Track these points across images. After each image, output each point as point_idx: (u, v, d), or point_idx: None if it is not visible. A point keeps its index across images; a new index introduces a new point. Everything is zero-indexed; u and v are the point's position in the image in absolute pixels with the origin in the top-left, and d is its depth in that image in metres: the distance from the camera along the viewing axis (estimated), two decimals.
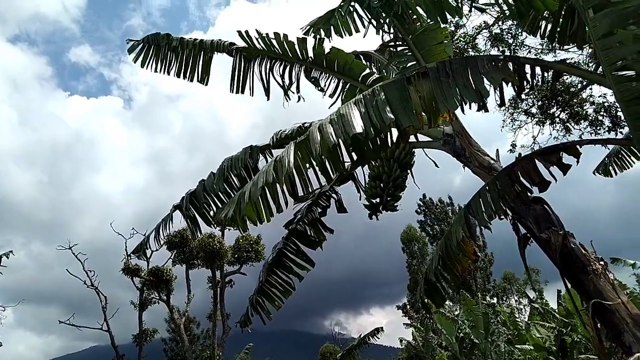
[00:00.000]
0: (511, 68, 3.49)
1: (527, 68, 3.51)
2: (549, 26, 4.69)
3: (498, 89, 3.55)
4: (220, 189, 5.98)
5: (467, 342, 23.70)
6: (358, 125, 3.32)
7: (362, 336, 18.06)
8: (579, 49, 14.37)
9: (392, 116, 3.33)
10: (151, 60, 6.72)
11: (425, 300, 4.73)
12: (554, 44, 4.99)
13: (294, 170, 3.53)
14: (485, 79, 3.37)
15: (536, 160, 3.84)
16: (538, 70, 3.56)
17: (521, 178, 3.91)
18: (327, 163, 3.59)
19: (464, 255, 4.17)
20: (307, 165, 3.53)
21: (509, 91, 3.75)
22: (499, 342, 24.72)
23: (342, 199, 6.67)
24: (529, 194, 4.30)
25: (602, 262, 4.35)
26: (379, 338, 17.73)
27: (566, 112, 18.41)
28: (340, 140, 3.35)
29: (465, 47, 18.34)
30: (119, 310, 25.90)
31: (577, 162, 3.74)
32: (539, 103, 18.56)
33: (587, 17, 2.96)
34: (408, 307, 33.16)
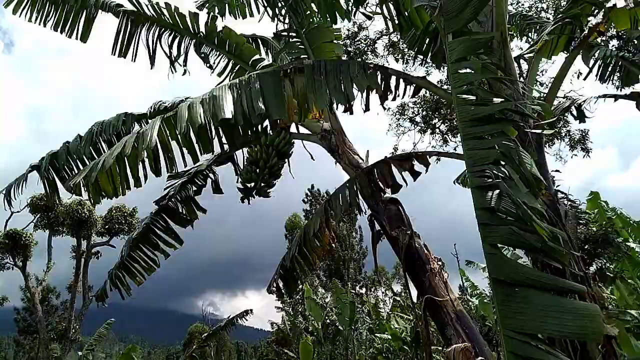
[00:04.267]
0: (379, 77, 3.78)
1: (393, 79, 3.82)
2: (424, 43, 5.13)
3: (365, 94, 3.81)
4: (85, 154, 5.65)
5: (332, 328, 24.98)
6: (228, 110, 3.37)
7: (230, 317, 18.12)
8: (437, 68, 15.67)
9: (263, 107, 3.43)
10: (26, 8, 6.13)
11: (280, 284, 4.94)
12: (424, 59, 5.43)
13: (158, 146, 3.48)
14: (354, 84, 3.61)
15: (392, 164, 4.20)
16: (402, 83, 3.89)
17: (377, 179, 4.25)
18: (195, 143, 3.59)
19: (320, 245, 4.43)
20: (173, 142, 3.50)
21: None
22: (362, 330, 26.39)
23: (219, 180, 6.66)
24: (390, 193, 4.70)
25: (439, 262, 4.90)
26: (247, 320, 17.94)
27: (446, 124, 19.97)
28: (208, 122, 3.37)
29: (366, 49, 19.08)
30: None
31: (427, 170, 4.17)
32: (423, 113, 19.95)
33: (446, 40, 3.31)
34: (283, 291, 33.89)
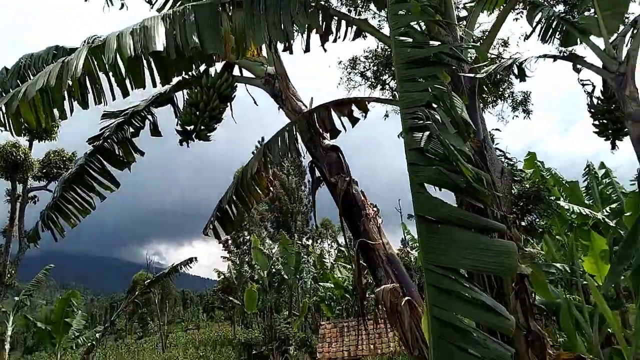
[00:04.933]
0: (319, 16, 3.69)
1: (334, 20, 3.75)
2: None
3: (305, 34, 3.72)
4: (12, 86, 5.26)
5: (277, 277, 25.56)
6: (160, 43, 3.20)
7: (174, 264, 18.06)
8: (379, 10, 15.50)
9: (198, 40, 3.28)
10: None
11: (215, 225, 4.91)
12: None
13: (85, 76, 3.28)
14: (293, 22, 3.51)
15: (331, 109, 4.19)
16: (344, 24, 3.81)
17: (316, 123, 4.23)
18: (124, 75, 3.40)
19: (257, 188, 4.41)
20: (102, 73, 3.30)
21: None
22: (306, 279, 27.13)
23: (157, 122, 6.43)
24: (330, 139, 4.71)
25: (375, 209, 5.03)
26: (191, 267, 17.95)
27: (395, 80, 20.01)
28: (138, 54, 3.20)
29: None
30: None
31: (365, 116, 4.19)
32: (374, 68, 19.89)
33: None
34: (229, 241, 34.09)
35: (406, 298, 4.03)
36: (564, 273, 7.77)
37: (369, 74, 20.27)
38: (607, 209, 11.92)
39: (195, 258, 18.57)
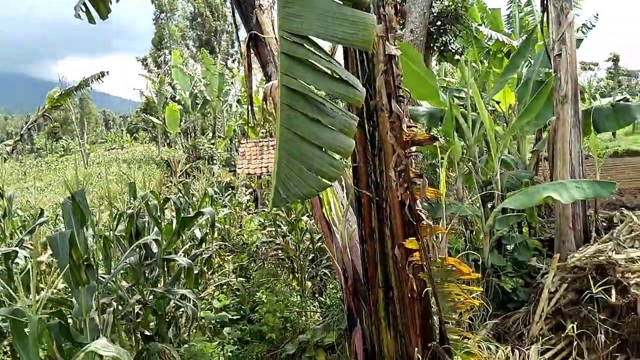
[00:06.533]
0: None
1: None
2: None
3: None
4: None
5: (199, 98, 24.98)
6: None
7: (85, 78, 16.94)
8: None
9: None
10: None
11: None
12: None
13: None
14: None
15: None
16: None
17: None
18: None
19: None
20: None
21: None
22: (231, 102, 26.81)
23: None
24: None
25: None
26: (103, 81, 16.96)
27: None
28: None
29: None
30: None
31: None
32: None
33: None
34: (149, 60, 32.13)
35: None
36: (485, 100, 8.04)
37: None
38: (524, 37, 12.10)
39: (107, 72, 17.46)
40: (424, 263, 3.23)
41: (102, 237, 4.53)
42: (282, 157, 2.36)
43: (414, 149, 3.25)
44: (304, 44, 2.43)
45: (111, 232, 4.60)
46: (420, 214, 3.18)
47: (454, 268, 3.23)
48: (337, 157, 2.50)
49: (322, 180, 2.41)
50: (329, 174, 2.41)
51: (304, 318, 6.56)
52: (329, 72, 2.47)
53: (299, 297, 6.92)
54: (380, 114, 3.12)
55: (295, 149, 2.38)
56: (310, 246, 7.28)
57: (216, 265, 7.52)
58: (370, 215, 3.45)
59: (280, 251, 7.82)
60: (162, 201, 5.02)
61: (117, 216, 4.88)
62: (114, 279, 4.30)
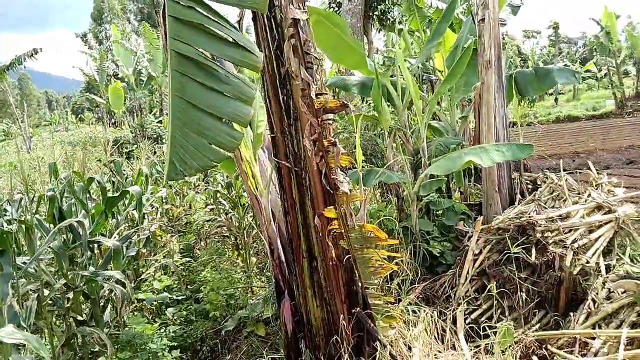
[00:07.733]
0: None
1: None
2: None
3: None
4: None
5: (144, 74, 23.98)
6: None
7: (16, 56, 15.93)
8: None
9: None
10: None
11: None
12: None
13: None
14: None
15: None
16: None
17: None
18: None
19: None
20: None
21: None
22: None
23: None
24: None
25: None
26: (36, 59, 15.96)
27: None
28: None
29: None
30: None
31: None
32: None
33: None
34: (89, 36, 30.54)
35: None
36: (418, 69, 8.03)
37: None
38: (464, 5, 12.18)
39: (41, 49, 16.46)
40: (343, 231, 3.24)
41: (21, 221, 4.31)
42: (176, 128, 2.26)
43: (331, 116, 3.20)
44: (195, 7, 2.31)
45: (30, 216, 4.38)
46: (337, 182, 3.17)
47: (372, 235, 3.25)
48: (238, 127, 2.43)
49: (220, 151, 2.33)
50: (227, 144, 2.34)
51: (249, 294, 6.55)
52: (225, 36, 2.36)
53: (243, 272, 6.88)
54: (292, 82, 3.05)
55: (190, 119, 2.28)
56: (253, 222, 7.21)
57: (161, 245, 7.35)
58: (291, 185, 3.41)
59: (223, 228, 7.72)
60: (86, 181, 4.81)
61: (37, 199, 4.65)
62: (35, 264, 4.11)
